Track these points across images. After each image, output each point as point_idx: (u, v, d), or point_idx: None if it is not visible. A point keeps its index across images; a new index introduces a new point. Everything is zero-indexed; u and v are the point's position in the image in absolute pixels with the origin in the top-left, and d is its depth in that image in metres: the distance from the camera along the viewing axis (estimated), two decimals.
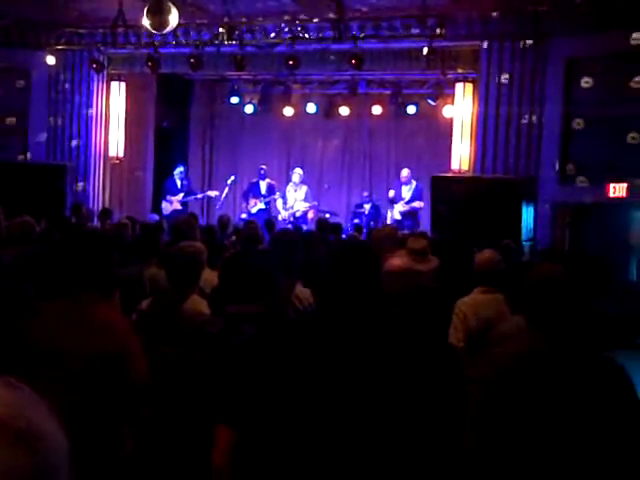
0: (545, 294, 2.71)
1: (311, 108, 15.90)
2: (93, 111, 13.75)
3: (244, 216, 13.75)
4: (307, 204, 14.19)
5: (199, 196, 14.78)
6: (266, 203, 14.24)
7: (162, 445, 3.21)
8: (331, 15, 11.47)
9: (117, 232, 7.82)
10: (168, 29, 9.59)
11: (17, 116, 13.84)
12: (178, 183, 14.13)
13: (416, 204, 13.26)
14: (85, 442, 2.98)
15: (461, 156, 12.18)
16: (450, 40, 11.56)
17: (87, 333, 3.11)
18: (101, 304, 3.28)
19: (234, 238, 8.86)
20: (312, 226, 12.69)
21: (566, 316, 2.67)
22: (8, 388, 0.98)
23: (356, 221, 13.96)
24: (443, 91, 14.30)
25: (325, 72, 14.08)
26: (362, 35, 11.74)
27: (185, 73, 14.29)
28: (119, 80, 13.98)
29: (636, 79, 10.27)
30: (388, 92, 15.52)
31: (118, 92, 14.00)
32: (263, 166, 14.75)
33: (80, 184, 13.58)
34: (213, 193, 14.79)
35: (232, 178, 14.93)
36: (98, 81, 13.73)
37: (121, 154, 14.17)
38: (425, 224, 13.02)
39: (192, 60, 12.46)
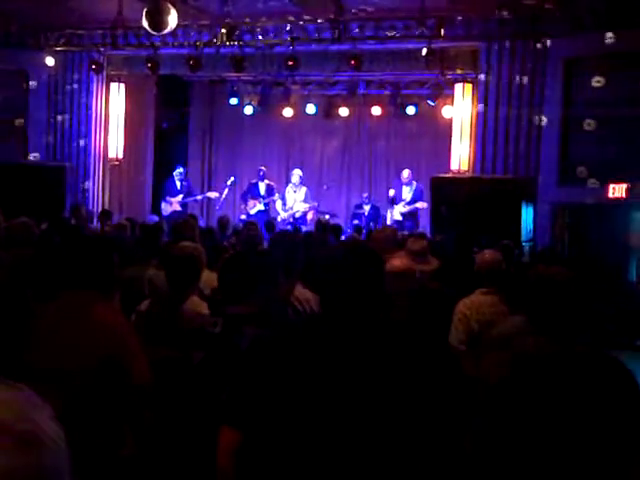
0: (552, 295, 2.74)
1: (310, 109, 15.90)
2: (92, 112, 13.75)
3: (243, 217, 13.75)
4: (307, 205, 14.19)
5: (199, 197, 14.78)
6: (265, 204, 14.24)
7: (164, 446, 3.20)
8: (330, 16, 11.47)
9: (117, 233, 7.83)
10: (167, 30, 9.61)
11: (16, 117, 13.83)
12: (178, 184, 14.14)
13: (419, 205, 13.23)
14: (85, 443, 2.98)
15: (461, 156, 12.18)
16: (449, 41, 11.57)
17: (87, 334, 3.11)
18: (101, 305, 3.28)
19: (234, 239, 8.86)
20: (311, 227, 12.69)
21: (572, 317, 2.68)
22: (9, 390, 0.98)
23: (355, 222, 13.96)
24: (442, 92, 14.30)
25: (324, 73, 14.08)
26: (361, 36, 11.74)
27: (184, 74, 14.28)
28: (118, 81, 13.98)
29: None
30: (387, 93, 15.52)
31: (117, 93, 14.01)
32: (262, 167, 14.76)
33: (87, 183, 13.59)
34: (213, 194, 14.79)
35: (232, 179, 14.93)
36: (97, 82, 13.73)
37: (120, 155, 14.17)
38: (424, 225, 13.03)
39: (191, 61, 12.46)
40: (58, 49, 13.39)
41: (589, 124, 10.75)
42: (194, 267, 4.36)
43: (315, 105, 15.92)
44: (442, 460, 2.29)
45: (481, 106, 11.65)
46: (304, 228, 12.84)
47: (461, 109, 12.33)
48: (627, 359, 2.97)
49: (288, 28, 12.02)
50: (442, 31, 11.29)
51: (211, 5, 11.56)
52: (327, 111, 16.23)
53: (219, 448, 2.44)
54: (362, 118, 16.45)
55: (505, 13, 10.95)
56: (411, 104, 15.27)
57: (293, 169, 15.01)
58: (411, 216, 13.42)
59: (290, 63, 11.95)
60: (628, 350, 7.45)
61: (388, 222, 13.51)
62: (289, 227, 13.13)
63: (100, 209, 13.12)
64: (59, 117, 13.75)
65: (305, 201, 14.22)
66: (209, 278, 4.78)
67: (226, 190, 14.72)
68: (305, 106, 15.90)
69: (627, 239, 10.04)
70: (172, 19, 9.24)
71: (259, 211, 14.07)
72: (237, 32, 12.22)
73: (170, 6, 9.17)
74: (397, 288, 4.04)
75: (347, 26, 11.64)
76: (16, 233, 6.00)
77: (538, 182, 11.09)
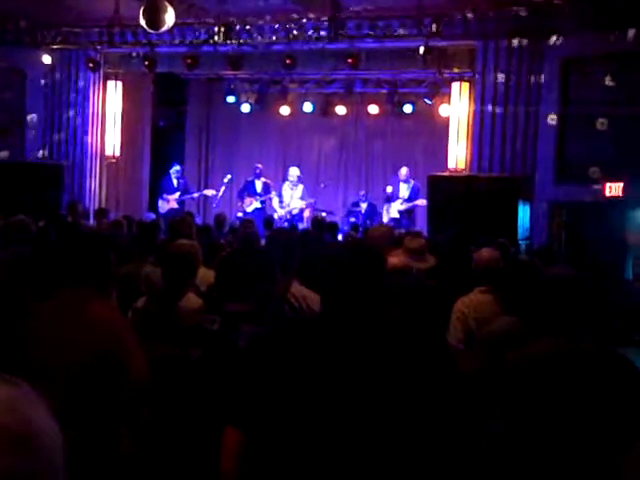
0: (566, 296, 2.83)
1: (308, 107, 15.89)
2: (89, 110, 13.73)
3: (240, 215, 13.75)
4: (304, 202, 14.19)
5: (195, 195, 14.78)
6: (262, 202, 14.24)
7: (162, 444, 3.20)
8: (328, 14, 11.47)
9: (113, 231, 7.82)
10: (164, 28, 9.60)
11: (13, 115, 13.81)
12: (174, 182, 14.13)
13: (419, 202, 13.17)
14: (82, 440, 2.98)
15: (457, 155, 12.19)
16: (446, 39, 11.57)
17: (83, 330, 3.11)
18: (98, 302, 3.28)
19: (230, 237, 8.87)
20: (308, 225, 12.70)
21: (585, 316, 2.79)
22: (6, 387, 0.98)
23: (352, 220, 13.97)
24: (439, 90, 14.31)
25: (322, 71, 14.08)
26: (359, 34, 11.74)
27: (181, 72, 14.27)
28: (115, 79, 13.96)
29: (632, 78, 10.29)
30: (384, 91, 15.52)
31: (114, 91, 13.98)
32: (259, 165, 14.77)
33: (84, 180, 13.59)
34: (210, 192, 14.78)
35: (229, 177, 14.93)
36: (94, 80, 13.71)
37: (117, 153, 14.15)
38: (420, 223, 13.04)
39: (188, 59, 12.47)
40: (55, 47, 13.37)
41: (586, 123, 10.77)
42: (190, 264, 4.37)
43: (312, 103, 15.90)
44: (441, 457, 2.30)
45: (478, 105, 11.66)
46: (301, 225, 12.86)
47: (458, 108, 12.33)
48: (626, 355, 3.07)
49: (286, 26, 12.01)
50: (439, 30, 11.29)
51: (208, 3, 11.56)
52: (324, 109, 16.21)
53: (223, 449, 2.42)
54: (359, 116, 16.46)
55: (501, 12, 10.94)
56: (408, 102, 15.26)
57: (290, 167, 15.00)
58: (408, 214, 13.43)
59: (287, 61, 11.96)
60: (626, 346, 7.46)
61: (384, 219, 13.53)
62: (286, 224, 13.14)
63: (97, 207, 13.12)
64: (56, 115, 13.73)
65: (302, 198, 14.22)
66: (205, 275, 4.78)
67: (223, 188, 14.71)
68: (302, 104, 15.89)
69: (624, 237, 10.06)
70: (169, 17, 9.23)
71: (256, 209, 14.08)
72: (234, 30, 12.22)
73: (167, 4, 9.16)
74: (395, 286, 4.04)
75: (344, 24, 11.64)
76: (13, 231, 6.01)
77: (535, 180, 11.11)
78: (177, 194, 14.01)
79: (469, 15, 11.26)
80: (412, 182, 13.65)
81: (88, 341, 3.08)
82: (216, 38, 12.31)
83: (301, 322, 3.11)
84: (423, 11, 11.20)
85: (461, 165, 12.12)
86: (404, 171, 13.77)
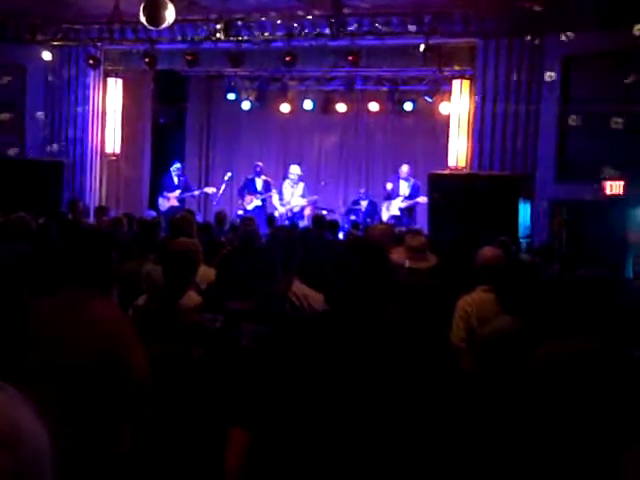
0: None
1: (308, 105, 15.88)
2: (89, 107, 13.72)
3: (241, 212, 13.74)
4: (306, 200, 14.17)
5: (196, 193, 14.75)
6: (262, 200, 14.23)
7: (164, 443, 3.20)
8: (328, 12, 11.45)
9: (112, 228, 7.81)
10: (165, 25, 9.58)
11: (13, 112, 13.79)
12: (175, 179, 14.12)
13: (420, 199, 13.11)
14: (83, 438, 2.97)
15: (458, 153, 12.17)
16: (447, 37, 11.55)
17: (84, 328, 3.10)
18: (99, 300, 3.27)
19: (231, 235, 8.86)
20: (308, 222, 12.69)
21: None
22: None
23: (353, 218, 13.95)
24: (440, 88, 14.30)
25: (322, 69, 14.07)
26: (359, 32, 11.72)
27: (182, 69, 14.26)
28: (115, 76, 13.94)
29: (632, 76, 10.27)
30: (385, 89, 15.53)
31: (115, 88, 13.97)
32: (259, 163, 14.75)
33: (84, 178, 13.58)
34: (210, 190, 14.76)
35: (229, 174, 14.92)
36: (94, 77, 13.69)
37: (117, 150, 14.13)
38: (420, 221, 13.02)
39: (189, 56, 12.45)
40: (55, 44, 13.35)
41: (587, 121, 10.75)
42: (191, 262, 4.36)
43: (312, 101, 15.90)
44: (443, 455, 2.30)
45: (479, 102, 11.64)
46: (301, 223, 12.85)
47: (459, 105, 12.32)
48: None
49: (286, 23, 11.99)
50: (440, 27, 11.28)
51: (209, 0, 11.53)
52: (324, 107, 16.20)
53: (228, 448, 2.42)
54: (360, 114, 16.45)
55: (502, 10, 10.91)
56: (409, 100, 15.26)
57: (290, 165, 14.97)
58: (408, 212, 13.41)
59: (288, 59, 11.94)
60: (626, 345, 7.45)
61: (384, 217, 13.51)
62: (286, 222, 13.14)
63: (97, 204, 13.11)
64: (56, 112, 13.71)
65: (303, 196, 14.20)
66: (206, 273, 4.77)
67: (223, 185, 14.70)
68: (302, 102, 15.89)
69: (624, 236, 10.05)
70: (169, 14, 9.21)
71: (256, 207, 14.06)
72: (235, 27, 12.21)
73: (167, 0, 9.15)
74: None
75: (345, 22, 11.62)
76: (13, 228, 5.99)
77: (536, 179, 11.10)
78: (178, 192, 14.00)
79: (470, 12, 11.24)
80: (412, 180, 13.63)
81: (89, 339, 3.07)
82: (216, 35, 12.29)
83: (306, 321, 3.10)
84: (424, 8, 11.20)
85: (462, 163, 12.11)
86: (405, 168, 13.75)
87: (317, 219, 10.64)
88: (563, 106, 11.00)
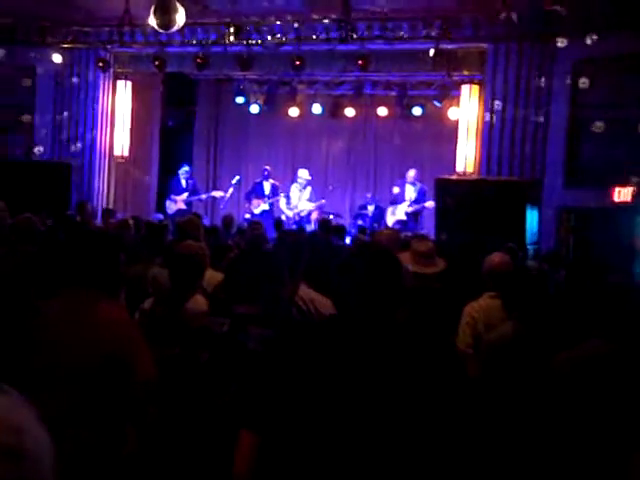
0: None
1: (317, 109, 15.88)
2: (99, 110, 13.76)
3: (248, 216, 13.74)
4: (314, 204, 14.16)
5: (203, 196, 14.72)
6: (270, 204, 14.23)
7: (171, 446, 3.19)
8: (338, 16, 11.46)
9: (119, 231, 7.81)
10: (174, 28, 9.60)
11: (23, 114, 13.84)
12: (183, 182, 14.14)
13: (428, 204, 13.09)
14: (89, 440, 2.97)
15: (466, 158, 12.16)
16: (456, 42, 11.55)
17: (91, 330, 3.11)
18: (105, 302, 3.27)
19: (238, 238, 8.86)
20: (315, 227, 12.68)
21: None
22: None
23: (360, 222, 13.94)
24: (449, 93, 14.28)
25: (331, 73, 14.07)
26: (369, 36, 11.72)
27: (191, 72, 14.28)
28: (125, 79, 13.99)
29: None
30: (394, 93, 15.50)
31: (124, 91, 14.01)
32: (267, 167, 14.75)
33: (92, 180, 13.61)
34: (218, 194, 14.75)
35: (237, 178, 14.91)
36: (104, 80, 13.73)
37: (126, 153, 14.17)
38: (426, 226, 13.01)
39: (198, 59, 12.48)
40: (65, 46, 13.40)
41: (596, 126, 10.72)
42: (198, 266, 4.36)
43: (321, 105, 15.90)
44: (446, 459, 2.30)
45: (487, 107, 11.63)
46: (308, 227, 12.85)
47: (467, 110, 12.31)
48: None
49: (296, 27, 12.01)
50: (449, 32, 11.27)
51: (219, 3, 11.56)
52: (333, 111, 16.19)
53: (237, 452, 2.42)
54: (368, 119, 16.45)
55: (511, 15, 10.89)
56: (417, 105, 15.24)
57: (298, 169, 14.97)
58: (414, 216, 13.39)
59: (297, 63, 11.96)
60: None
61: (388, 221, 13.49)
62: (294, 226, 13.13)
63: (105, 206, 13.15)
64: (65, 114, 13.76)
65: (310, 200, 14.20)
66: (213, 277, 4.78)
67: (231, 189, 14.69)
68: (311, 106, 15.89)
69: (632, 243, 10.01)
70: (180, 17, 9.23)
71: (264, 211, 14.06)
72: (244, 31, 12.23)
73: (177, 4, 9.17)
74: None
75: (354, 26, 11.63)
76: (21, 230, 6.00)
77: (544, 184, 11.07)
78: (185, 195, 14.01)
79: (479, 17, 11.23)
80: (419, 185, 13.61)
81: (96, 342, 3.07)
82: (226, 38, 12.32)
83: (313, 325, 3.10)
84: (433, 13, 11.20)
85: (470, 168, 12.09)
86: (412, 173, 13.73)
87: (323, 223, 10.64)
88: (573, 111, 10.96)
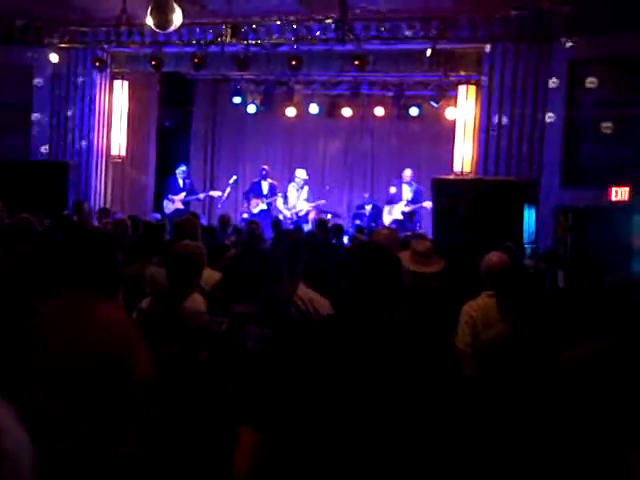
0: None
1: (314, 109, 15.89)
2: (96, 109, 13.74)
3: (246, 216, 13.74)
4: (312, 204, 14.17)
5: (201, 196, 14.74)
6: (268, 203, 14.23)
7: (170, 445, 3.19)
8: (335, 16, 11.46)
9: (115, 230, 7.79)
10: (172, 28, 9.58)
11: (20, 114, 13.82)
12: (180, 182, 14.13)
13: (425, 204, 13.10)
14: (87, 440, 2.97)
15: (463, 158, 12.17)
16: (453, 42, 11.56)
17: (89, 330, 3.10)
18: (103, 302, 3.27)
19: (234, 238, 8.85)
20: (312, 226, 12.68)
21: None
22: None
23: (357, 222, 13.95)
24: (446, 93, 14.30)
25: (328, 73, 14.06)
26: (366, 36, 11.72)
27: (188, 72, 14.27)
28: (122, 79, 13.98)
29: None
30: (391, 94, 15.52)
31: (121, 91, 14.00)
32: (265, 166, 14.75)
33: (90, 180, 13.60)
34: (215, 193, 14.76)
35: (234, 178, 14.91)
36: (101, 79, 13.72)
37: (123, 153, 14.16)
38: (423, 225, 13.03)
39: (195, 59, 12.46)
40: (62, 46, 13.38)
41: (593, 127, 10.74)
42: (195, 265, 4.36)
43: (318, 105, 15.91)
44: (443, 459, 2.30)
45: (484, 107, 11.63)
46: (306, 227, 12.85)
47: (464, 111, 12.32)
48: None
49: (293, 28, 12.01)
50: (446, 32, 11.28)
51: (216, 3, 11.55)
52: (330, 111, 16.20)
53: (237, 450, 2.42)
54: (365, 119, 16.45)
55: (508, 15, 10.91)
56: (414, 105, 15.26)
57: (296, 169, 14.98)
58: (410, 216, 13.41)
59: (294, 63, 11.96)
60: None
61: (385, 221, 13.51)
62: (291, 226, 13.14)
63: (102, 206, 13.13)
64: (62, 114, 13.74)
65: (308, 200, 14.20)
66: (210, 276, 4.78)
67: (228, 189, 14.69)
68: (308, 106, 15.90)
69: (629, 242, 10.02)
70: (177, 17, 9.22)
71: (262, 210, 14.06)
72: (241, 31, 12.23)
73: (175, 4, 9.16)
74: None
75: (351, 26, 11.62)
76: (18, 230, 5.99)
77: (541, 184, 11.08)
78: (183, 194, 14.01)
79: (477, 17, 11.24)
80: (415, 185, 13.63)
81: (94, 342, 3.07)
82: (223, 38, 12.32)
83: (312, 324, 3.10)
84: (430, 14, 11.19)
85: (467, 168, 12.10)
86: (408, 172, 13.75)
87: (320, 223, 10.64)
88: (569, 111, 10.98)
